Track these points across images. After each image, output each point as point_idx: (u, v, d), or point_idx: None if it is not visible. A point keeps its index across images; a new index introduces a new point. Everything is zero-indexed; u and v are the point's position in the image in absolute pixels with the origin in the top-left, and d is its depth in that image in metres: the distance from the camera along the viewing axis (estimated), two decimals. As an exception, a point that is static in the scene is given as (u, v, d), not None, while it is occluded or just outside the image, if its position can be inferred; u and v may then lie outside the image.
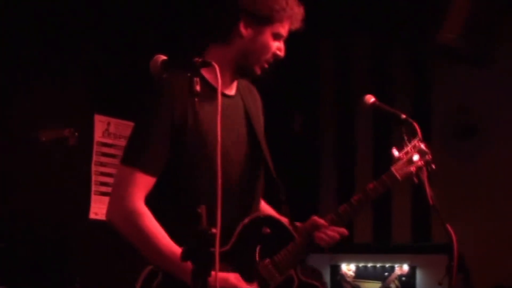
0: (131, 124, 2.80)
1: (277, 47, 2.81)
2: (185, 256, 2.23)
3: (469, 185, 6.02)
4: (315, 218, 2.86)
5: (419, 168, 3.01)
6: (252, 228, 2.78)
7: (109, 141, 5.20)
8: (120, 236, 2.67)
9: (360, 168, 6.58)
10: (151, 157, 2.64)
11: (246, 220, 2.77)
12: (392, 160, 3.03)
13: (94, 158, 5.12)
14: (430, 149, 3.05)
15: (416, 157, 3.02)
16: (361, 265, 6.15)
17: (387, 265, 6.09)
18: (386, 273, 6.07)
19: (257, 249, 2.76)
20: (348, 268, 6.15)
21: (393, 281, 6.01)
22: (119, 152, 2.80)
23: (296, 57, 6.11)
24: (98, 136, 5.17)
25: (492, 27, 5.35)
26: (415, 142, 3.05)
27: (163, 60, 2.41)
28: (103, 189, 5.06)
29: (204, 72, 2.68)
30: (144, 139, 2.66)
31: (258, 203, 2.96)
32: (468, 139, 6.12)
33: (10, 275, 3.95)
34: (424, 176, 2.94)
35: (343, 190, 6.62)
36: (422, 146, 3.04)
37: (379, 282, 6.05)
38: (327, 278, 6.11)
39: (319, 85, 6.88)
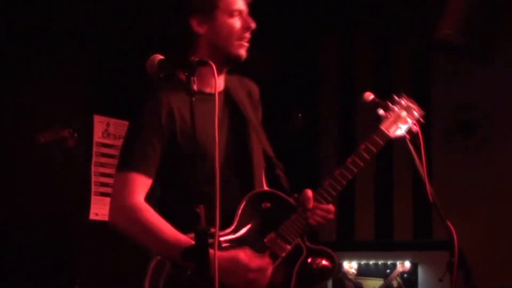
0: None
1: (243, 20, 2.77)
2: (185, 257, 2.23)
3: (469, 182, 6.00)
4: (307, 192, 2.86)
5: (409, 128, 2.99)
6: (252, 205, 2.79)
7: (109, 141, 5.20)
8: (123, 235, 2.67)
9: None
10: (143, 159, 2.68)
11: (245, 199, 2.78)
12: (378, 119, 3.01)
13: (94, 158, 5.11)
14: (431, 144, 3.04)
15: (404, 113, 3.02)
16: (363, 262, 6.14)
17: (389, 262, 6.08)
18: (388, 270, 6.05)
19: (261, 224, 2.77)
20: (350, 266, 6.14)
21: (395, 278, 6.00)
22: (119, 153, 2.81)
23: (297, 56, 6.16)
24: (97, 136, 5.16)
25: (492, 24, 5.34)
26: (401, 99, 3.03)
27: (160, 60, 2.41)
28: (103, 189, 5.06)
29: (181, 76, 2.70)
30: (133, 144, 2.70)
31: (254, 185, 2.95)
32: (468, 136, 6.11)
33: (10, 277, 3.95)
34: (423, 171, 2.93)
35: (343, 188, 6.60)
36: (410, 103, 3.04)
37: (381, 279, 6.04)
38: (329, 276, 6.10)
39: (320, 84, 6.86)
